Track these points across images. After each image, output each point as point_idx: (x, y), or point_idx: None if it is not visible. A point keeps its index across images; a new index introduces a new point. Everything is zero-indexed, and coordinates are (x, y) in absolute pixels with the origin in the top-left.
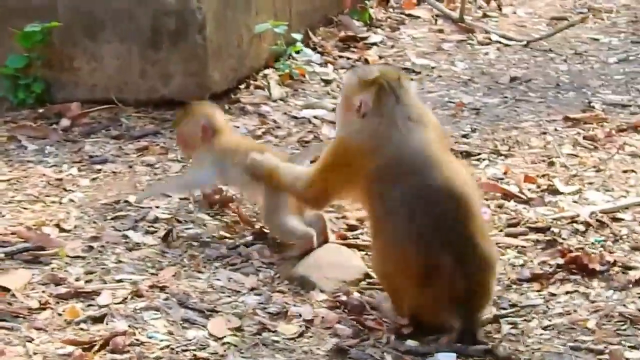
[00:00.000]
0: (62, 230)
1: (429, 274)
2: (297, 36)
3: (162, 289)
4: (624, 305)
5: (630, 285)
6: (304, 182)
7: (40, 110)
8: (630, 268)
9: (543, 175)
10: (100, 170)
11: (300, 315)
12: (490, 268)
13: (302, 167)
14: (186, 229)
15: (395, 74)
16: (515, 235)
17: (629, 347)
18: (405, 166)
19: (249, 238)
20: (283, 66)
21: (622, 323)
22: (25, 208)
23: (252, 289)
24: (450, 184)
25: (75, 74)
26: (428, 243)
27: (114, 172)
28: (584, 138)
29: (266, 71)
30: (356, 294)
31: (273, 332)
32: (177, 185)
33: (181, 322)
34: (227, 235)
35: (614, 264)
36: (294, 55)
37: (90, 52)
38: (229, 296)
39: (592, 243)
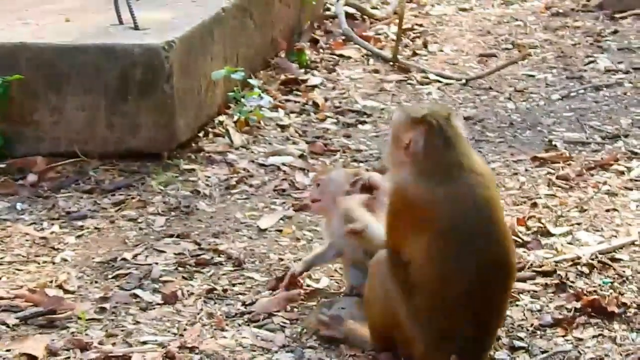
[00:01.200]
0: (66, 291)
1: (449, 336)
2: (254, 82)
3: (192, 349)
4: None
5: None
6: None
7: (2, 165)
8: None
9: (530, 217)
10: (82, 226)
11: None
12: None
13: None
14: (197, 285)
15: (444, 112)
16: (524, 280)
17: None
18: (461, 229)
19: (265, 293)
20: (241, 113)
21: None
22: (18, 269)
23: (283, 346)
24: (501, 257)
25: (37, 128)
26: (463, 308)
27: (97, 228)
28: (557, 178)
29: (220, 118)
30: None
31: None
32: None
33: None
34: (240, 290)
35: (629, 305)
36: (242, 101)
37: (53, 105)
38: (262, 354)
39: (600, 285)
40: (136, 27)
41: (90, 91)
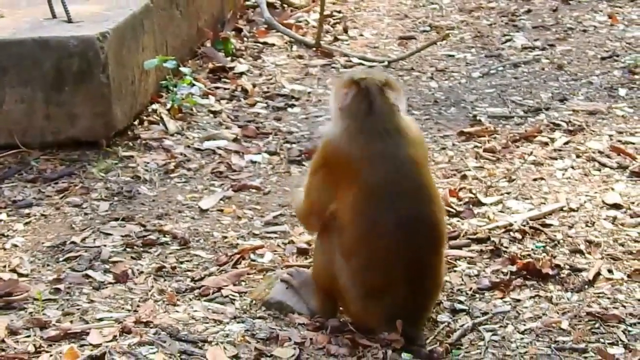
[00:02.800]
0: (20, 275)
1: (380, 292)
2: (185, 70)
3: (147, 324)
4: (588, 305)
5: (586, 287)
6: (300, 202)
7: None
8: (579, 270)
9: (461, 189)
10: (29, 214)
11: (290, 339)
12: (438, 292)
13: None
14: (146, 264)
15: (380, 79)
16: (459, 247)
17: (608, 344)
18: (383, 185)
19: (213, 269)
20: (174, 100)
21: (594, 322)
22: None
23: (234, 317)
24: (427, 216)
25: None
26: (390, 267)
27: (43, 215)
28: (484, 150)
29: (154, 106)
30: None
31: (270, 356)
32: None
33: (179, 354)
34: (188, 267)
35: (562, 267)
36: (173, 89)
37: None
38: (214, 326)
39: (533, 249)
40: (69, 20)
41: (27, 83)
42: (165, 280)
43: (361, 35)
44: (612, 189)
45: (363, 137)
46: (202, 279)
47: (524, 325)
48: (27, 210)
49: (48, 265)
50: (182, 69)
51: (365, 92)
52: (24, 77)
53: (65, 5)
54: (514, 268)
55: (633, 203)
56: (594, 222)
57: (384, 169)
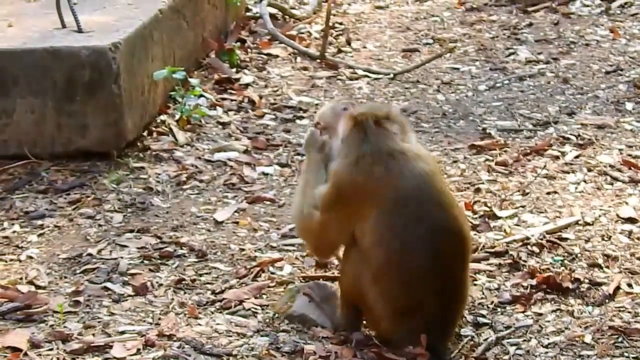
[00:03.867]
0: (38, 287)
1: (412, 310)
2: (194, 81)
3: (170, 337)
4: (610, 319)
5: (607, 301)
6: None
7: None
8: (599, 284)
9: (475, 202)
10: (42, 225)
11: (315, 353)
12: (464, 306)
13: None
14: (165, 276)
15: (379, 113)
16: (478, 261)
17: (633, 358)
18: (404, 200)
19: (233, 282)
20: (183, 111)
21: (617, 336)
22: None
23: (257, 331)
24: (452, 224)
25: None
26: (422, 283)
27: (56, 226)
28: (496, 164)
29: (162, 117)
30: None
31: None
32: None
33: None
34: (207, 280)
35: (582, 281)
36: (181, 100)
37: (2, 108)
38: (238, 339)
39: (552, 263)
40: (80, 30)
41: (38, 94)
42: (185, 292)
43: (364, 47)
44: (626, 202)
45: (370, 161)
46: (222, 291)
47: (548, 339)
48: (39, 222)
49: (65, 277)
50: (190, 80)
51: (361, 124)
52: (34, 87)
53: (75, 15)
54: (534, 282)
55: None
56: (610, 236)
57: (402, 185)
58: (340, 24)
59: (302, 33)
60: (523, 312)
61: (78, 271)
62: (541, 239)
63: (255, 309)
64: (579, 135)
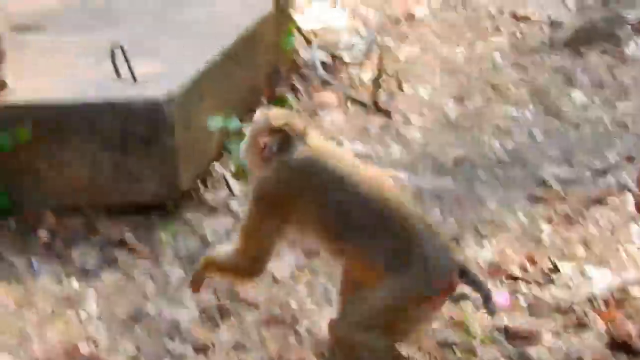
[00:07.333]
0: (98, 346)
1: None
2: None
3: None
4: None
5: None
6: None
7: (11, 222)
8: None
9: (536, 255)
10: (99, 280)
11: None
12: None
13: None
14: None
15: (301, 125)
16: (541, 317)
17: None
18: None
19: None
20: (238, 161)
21: None
22: (47, 327)
23: None
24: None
25: (41, 182)
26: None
27: (114, 282)
28: (556, 214)
29: (217, 167)
30: None
31: None
32: None
33: None
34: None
35: None
36: (235, 149)
37: (58, 160)
38: None
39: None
40: (134, 80)
41: (92, 145)
42: (245, 352)
43: (416, 92)
44: None
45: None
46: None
47: None
48: (96, 277)
49: (125, 335)
50: (244, 129)
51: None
52: (89, 139)
53: (130, 65)
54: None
55: None
56: None
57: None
58: (389, 69)
59: (353, 77)
60: None
61: (138, 330)
62: (608, 295)
63: None
64: None
